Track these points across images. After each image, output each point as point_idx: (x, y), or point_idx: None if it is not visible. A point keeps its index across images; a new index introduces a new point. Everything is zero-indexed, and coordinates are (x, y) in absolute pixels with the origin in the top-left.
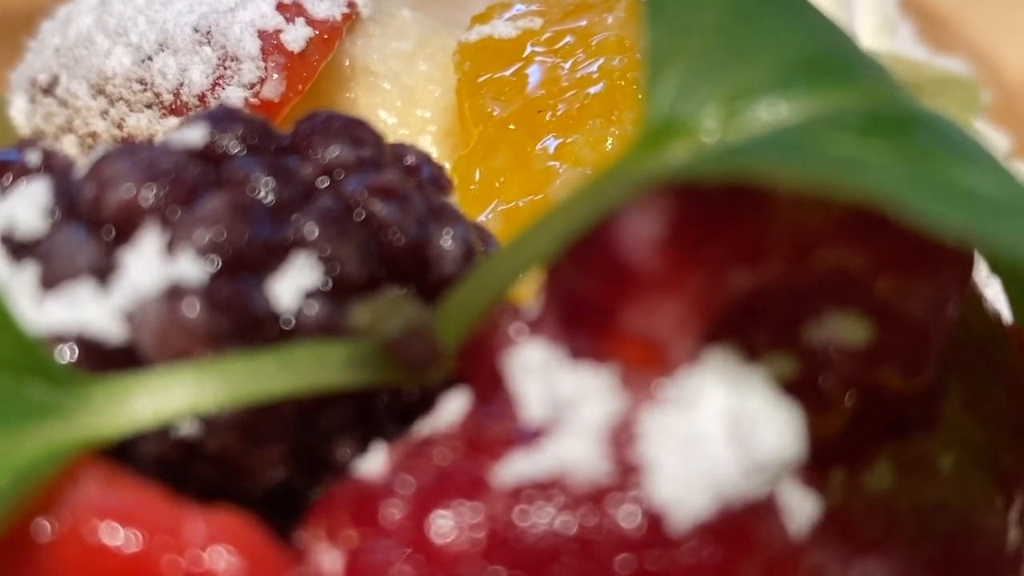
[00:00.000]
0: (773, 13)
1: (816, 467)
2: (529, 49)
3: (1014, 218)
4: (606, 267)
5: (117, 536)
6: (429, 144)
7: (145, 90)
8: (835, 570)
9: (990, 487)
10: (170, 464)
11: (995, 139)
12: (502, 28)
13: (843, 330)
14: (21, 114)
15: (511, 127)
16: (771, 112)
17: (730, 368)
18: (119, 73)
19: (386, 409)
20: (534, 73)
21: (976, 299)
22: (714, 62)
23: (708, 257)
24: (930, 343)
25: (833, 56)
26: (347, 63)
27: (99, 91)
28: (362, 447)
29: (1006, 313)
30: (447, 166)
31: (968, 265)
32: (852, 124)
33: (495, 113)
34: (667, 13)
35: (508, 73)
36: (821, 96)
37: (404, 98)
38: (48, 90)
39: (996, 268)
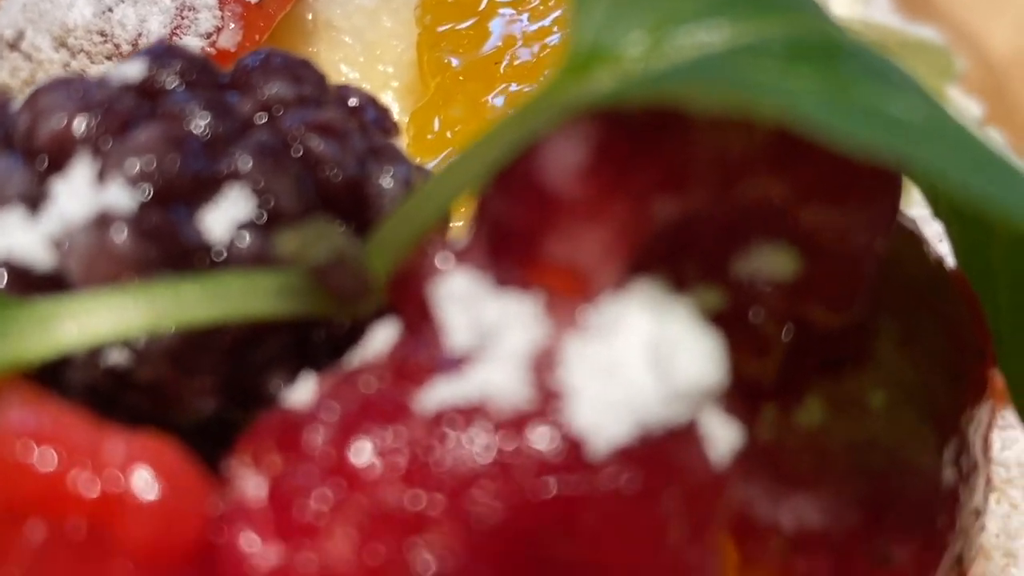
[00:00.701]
0: None
1: (746, 402)
2: (486, 2)
3: (937, 142)
4: (531, 195)
5: (34, 455)
6: (391, 99)
7: (105, 41)
8: (765, 506)
9: (923, 426)
10: (100, 393)
11: (968, 106)
12: None
13: (770, 262)
14: None
15: (465, 79)
16: (696, 39)
17: (655, 298)
18: (80, 25)
19: (319, 341)
20: (494, 26)
21: (915, 241)
22: None
23: (632, 185)
24: (858, 277)
25: None
26: (310, 17)
27: (61, 44)
28: (294, 379)
29: (950, 259)
30: (404, 117)
31: (895, 197)
32: (776, 51)
33: (453, 64)
34: None
35: (466, 26)
36: (746, 24)
37: (367, 53)
38: (14, 45)
39: (937, 210)
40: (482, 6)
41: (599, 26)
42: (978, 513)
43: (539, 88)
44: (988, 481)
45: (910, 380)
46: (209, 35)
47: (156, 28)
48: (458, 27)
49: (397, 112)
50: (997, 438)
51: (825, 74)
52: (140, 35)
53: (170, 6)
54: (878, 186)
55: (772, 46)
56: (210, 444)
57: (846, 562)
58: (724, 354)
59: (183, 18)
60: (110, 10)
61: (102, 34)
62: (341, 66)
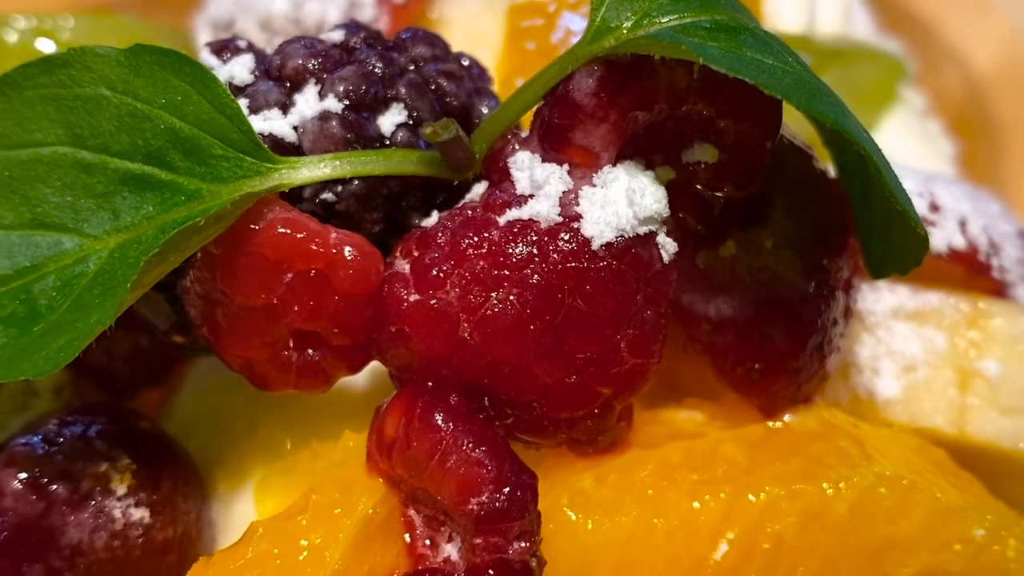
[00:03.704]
0: None
1: (690, 239)
2: (553, 6)
3: (789, 80)
4: (565, 106)
5: (291, 232)
6: (491, 69)
7: (297, 26)
8: (699, 304)
9: (797, 261)
10: (317, 215)
11: (915, 100)
12: None
13: (701, 154)
14: None
15: (537, 57)
16: (662, 19)
17: (632, 169)
18: (279, 14)
19: (438, 193)
20: (558, 22)
21: (805, 154)
22: None
23: (621, 102)
24: (757, 165)
25: None
26: (436, 15)
27: (265, 27)
28: (426, 215)
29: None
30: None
31: (777, 115)
32: (705, 28)
33: (529, 47)
34: None
35: (539, 23)
36: (691, 14)
37: (471, 41)
38: (227, 27)
39: (823, 137)
40: (551, 8)
41: (607, 12)
42: (835, 322)
43: (574, 46)
44: (848, 308)
45: (791, 234)
46: (369, 22)
47: (333, 17)
48: (535, 23)
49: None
50: (870, 293)
51: (731, 41)
52: (321, 22)
53: (343, 2)
54: (764, 107)
55: (704, 25)
56: (379, 248)
57: (745, 338)
58: (666, 198)
59: (352, 10)
60: (299, 5)
61: (295, 21)
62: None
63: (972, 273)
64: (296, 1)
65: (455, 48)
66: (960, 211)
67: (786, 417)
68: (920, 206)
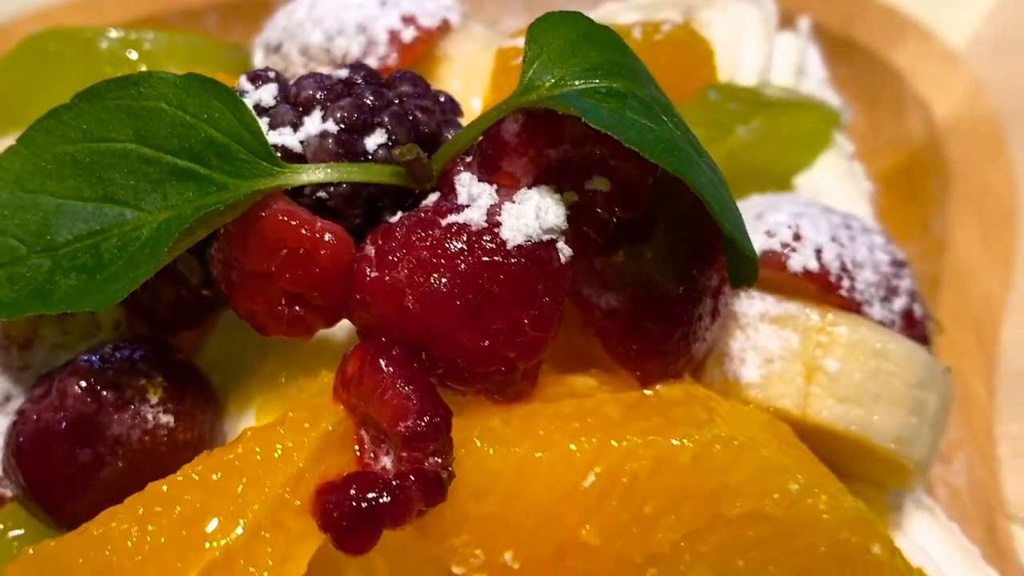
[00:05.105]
0: (592, 44)
1: (585, 250)
2: None
3: (650, 135)
4: (496, 142)
5: (290, 217)
6: (480, 99)
7: (328, 55)
8: (594, 297)
9: (670, 271)
10: (312, 209)
11: (846, 145)
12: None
13: (598, 184)
14: (258, 63)
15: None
16: (574, 84)
17: (543, 191)
18: (315, 45)
19: (407, 197)
20: None
21: (683, 185)
22: (555, 62)
23: (537, 142)
24: (640, 194)
25: (613, 65)
26: (440, 52)
27: (303, 53)
28: (395, 213)
29: None
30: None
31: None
32: (601, 92)
33: (508, 84)
34: (539, 39)
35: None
36: (596, 80)
37: (468, 75)
38: (276, 50)
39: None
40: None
41: (534, 73)
42: (700, 318)
43: (507, 98)
44: (716, 309)
45: (667, 249)
46: (382, 58)
47: (355, 52)
48: (517, 63)
49: (481, 104)
50: (746, 299)
51: (618, 104)
52: (346, 54)
53: (364, 40)
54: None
55: (601, 90)
56: (356, 236)
57: (627, 325)
58: (565, 215)
59: (369, 47)
60: (331, 39)
61: (326, 51)
62: (452, 81)
63: (823, 291)
64: (329, 35)
65: (453, 80)
66: (818, 241)
67: (658, 387)
68: (786, 235)
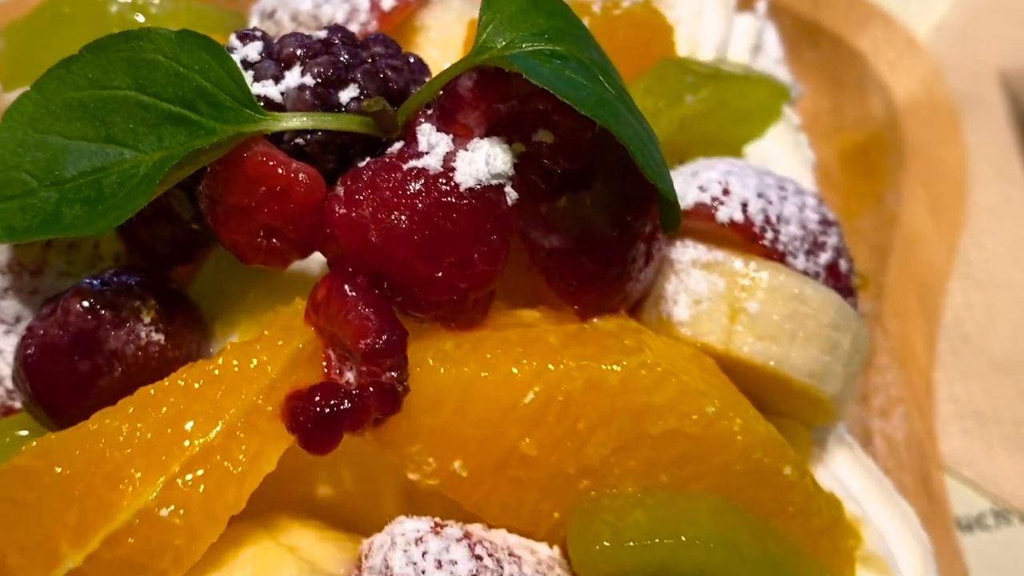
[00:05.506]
0: (540, 12)
1: (531, 196)
2: None
3: (584, 91)
4: (453, 96)
5: (267, 160)
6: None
7: (315, 21)
8: (540, 238)
9: (607, 216)
10: (290, 154)
11: (793, 118)
12: None
13: (543, 136)
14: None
15: None
16: (524, 46)
17: (494, 142)
18: (304, 11)
19: (375, 145)
20: None
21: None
22: (506, 26)
23: (488, 97)
24: (581, 147)
25: (558, 31)
26: (418, 22)
27: (293, 19)
28: (364, 158)
29: None
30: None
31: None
32: (545, 54)
33: None
34: (493, 5)
35: None
36: (542, 44)
37: (444, 44)
38: (270, 16)
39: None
40: None
41: (487, 36)
42: (633, 259)
43: (463, 58)
44: (649, 253)
45: (605, 197)
46: (363, 24)
47: (340, 17)
48: None
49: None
50: (680, 247)
51: (560, 64)
52: (332, 19)
53: (347, 7)
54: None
55: (545, 52)
56: (330, 180)
57: (567, 263)
58: (512, 162)
59: (352, 13)
60: (319, 6)
61: (314, 17)
62: (430, 50)
63: (748, 240)
64: (316, 3)
65: (430, 49)
66: (745, 196)
67: (595, 320)
68: (716, 190)
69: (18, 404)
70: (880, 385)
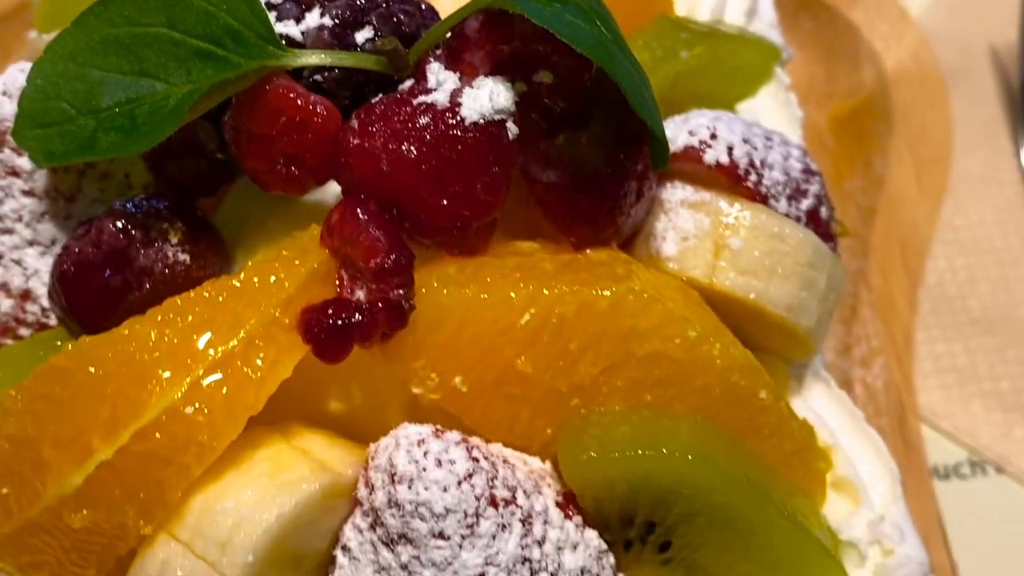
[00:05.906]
0: None
1: (531, 133)
2: None
3: (581, 32)
4: (460, 37)
5: (289, 91)
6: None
7: None
8: (538, 172)
9: (602, 153)
10: (308, 90)
11: (784, 78)
12: None
13: (543, 77)
14: None
15: None
16: None
17: (497, 80)
18: None
19: (388, 82)
20: None
21: (616, 85)
22: None
23: (492, 37)
24: (579, 87)
25: None
26: None
27: None
28: (377, 95)
29: None
30: None
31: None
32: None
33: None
34: None
35: None
36: None
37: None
38: None
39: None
40: None
41: None
42: (625, 195)
43: (470, 1)
44: (641, 190)
45: (600, 136)
46: None
47: None
48: None
49: None
50: (670, 187)
51: (560, 7)
52: None
53: None
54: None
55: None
56: (345, 115)
57: (564, 197)
58: (514, 100)
59: None
60: None
61: None
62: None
63: (732, 182)
64: None
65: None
66: (731, 140)
67: (588, 251)
68: (704, 134)
69: (53, 321)
70: (862, 336)
